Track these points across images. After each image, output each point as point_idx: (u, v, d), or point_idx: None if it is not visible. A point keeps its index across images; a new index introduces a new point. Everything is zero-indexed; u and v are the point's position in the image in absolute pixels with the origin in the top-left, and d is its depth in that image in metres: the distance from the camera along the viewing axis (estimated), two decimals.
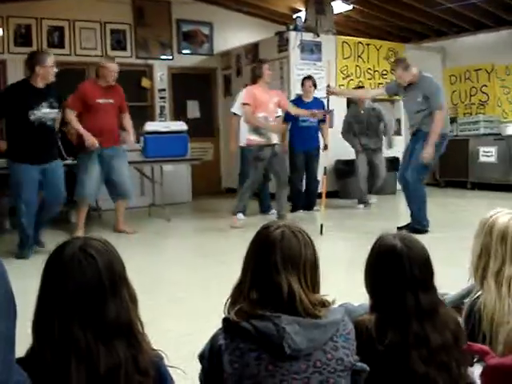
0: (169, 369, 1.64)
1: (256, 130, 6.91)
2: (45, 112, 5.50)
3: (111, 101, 6.59)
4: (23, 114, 5.39)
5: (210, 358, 1.63)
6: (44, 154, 5.63)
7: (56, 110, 5.66)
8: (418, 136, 6.34)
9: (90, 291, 1.45)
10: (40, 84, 5.50)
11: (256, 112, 6.87)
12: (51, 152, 5.77)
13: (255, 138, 6.91)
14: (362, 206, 8.57)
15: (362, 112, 8.47)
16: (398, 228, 5.96)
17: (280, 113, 7.60)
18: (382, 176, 8.67)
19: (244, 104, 7.02)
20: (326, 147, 7.86)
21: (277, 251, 1.65)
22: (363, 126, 8.48)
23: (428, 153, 6.08)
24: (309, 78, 8.21)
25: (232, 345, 1.58)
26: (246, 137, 7.11)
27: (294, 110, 7.39)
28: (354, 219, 7.68)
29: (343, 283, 4.25)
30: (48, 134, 5.64)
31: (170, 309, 3.98)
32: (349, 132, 8.63)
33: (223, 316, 1.65)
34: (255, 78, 7.10)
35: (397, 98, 10.37)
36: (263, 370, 1.55)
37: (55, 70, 5.61)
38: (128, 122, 7.02)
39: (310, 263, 1.67)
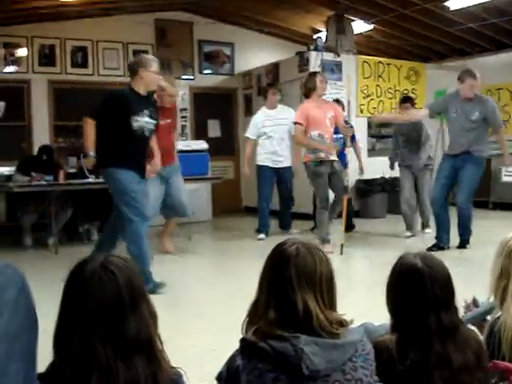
0: None
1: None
2: (146, 121, 5.10)
3: (168, 120, 6.46)
4: (125, 120, 4.96)
5: (228, 378, 1.62)
6: (143, 168, 5.19)
7: (155, 122, 5.28)
8: (465, 159, 6.30)
9: (110, 307, 1.45)
10: (142, 90, 5.12)
11: (309, 130, 6.48)
12: (145, 167, 5.31)
13: (312, 155, 6.50)
14: (408, 233, 7.51)
15: (407, 124, 7.58)
16: (428, 249, 5.89)
17: None
18: (425, 201, 7.44)
19: (296, 123, 6.60)
20: (361, 170, 7.67)
21: (291, 268, 1.64)
22: (405, 138, 7.66)
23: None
24: (337, 101, 7.84)
25: (250, 365, 1.57)
26: (304, 154, 6.75)
27: (342, 129, 6.81)
28: (374, 238, 7.62)
29: (364, 302, 4.22)
30: (146, 146, 5.27)
31: (192, 326, 3.97)
32: (394, 149, 7.95)
33: (241, 336, 1.65)
34: (308, 92, 6.67)
35: None
36: None
37: (160, 77, 5.41)
38: (175, 141, 6.87)
39: (325, 281, 1.66)
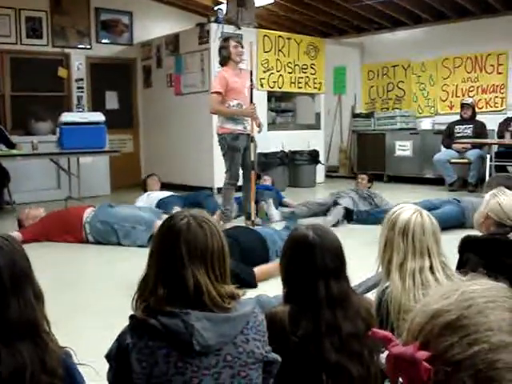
0: (79, 366, 1.60)
1: (231, 117, 6.10)
2: None
3: None
4: None
5: (118, 357, 1.58)
6: None
7: None
8: None
9: None
10: None
11: (228, 100, 6.04)
12: None
13: (229, 126, 6.07)
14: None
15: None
16: None
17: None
18: None
19: (214, 93, 6.08)
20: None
21: (181, 242, 1.61)
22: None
23: None
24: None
25: (140, 343, 1.54)
26: (219, 124, 6.19)
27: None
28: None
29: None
30: None
31: (85, 305, 3.89)
32: None
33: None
34: (224, 60, 6.15)
35: (317, 91, 10.58)
36: (172, 367, 1.53)
37: None
38: None
39: (217, 254, 1.64)
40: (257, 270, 4.19)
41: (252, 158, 6.28)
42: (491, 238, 2.68)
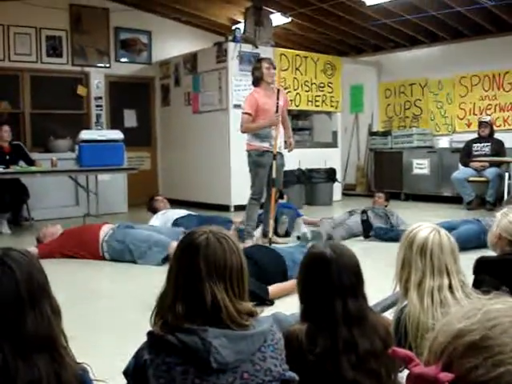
0: (95, 382, 1.60)
1: (257, 135, 6.16)
2: None
3: None
4: None
5: (135, 373, 1.58)
6: None
7: None
8: None
9: (7, 304, 1.40)
10: None
11: (257, 120, 6.12)
12: None
13: (256, 144, 6.17)
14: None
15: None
16: None
17: None
18: None
19: (245, 114, 6.17)
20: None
21: (200, 258, 1.61)
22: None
23: None
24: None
25: (157, 359, 1.54)
26: (247, 142, 6.29)
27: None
28: None
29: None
30: None
31: (102, 321, 3.89)
32: None
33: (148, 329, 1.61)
34: (257, 81, 6.25)
35: (334, 110, 10.59)
36: None
37: None
38: None
39: (235, 271, 1.64)
40: (272, 287, 4.14)
41: (273, 176, 6.27)
42: (504, 259, 2.65)
